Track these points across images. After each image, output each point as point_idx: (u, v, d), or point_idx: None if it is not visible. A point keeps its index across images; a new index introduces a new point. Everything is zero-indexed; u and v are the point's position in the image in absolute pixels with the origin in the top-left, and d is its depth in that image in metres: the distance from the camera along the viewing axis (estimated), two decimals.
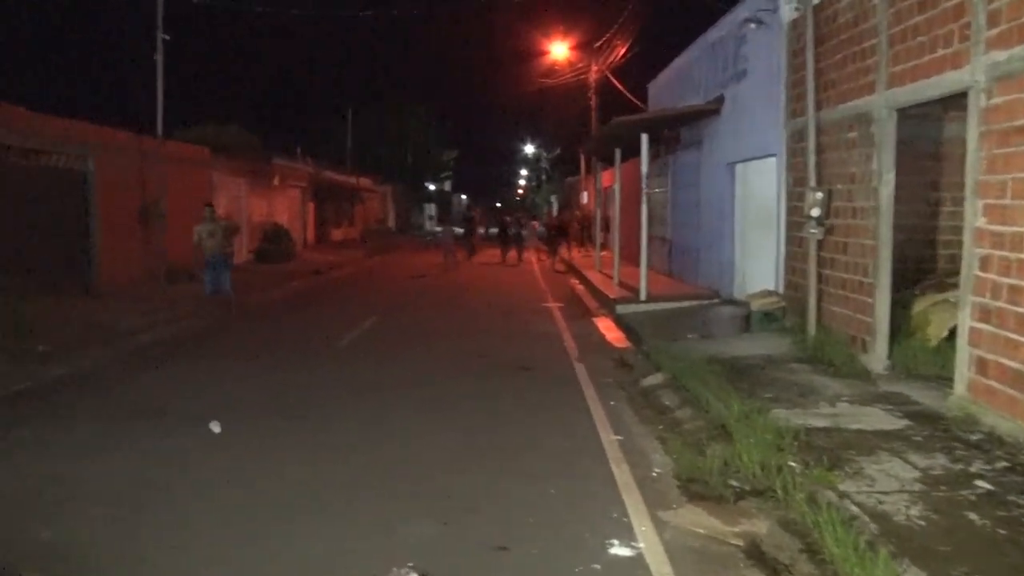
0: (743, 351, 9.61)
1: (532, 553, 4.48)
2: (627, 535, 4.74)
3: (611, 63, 28.11)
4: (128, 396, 8.20)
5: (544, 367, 9.85)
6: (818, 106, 9.17)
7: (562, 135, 54.89)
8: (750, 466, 5.61)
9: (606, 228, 27.31)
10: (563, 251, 29.59)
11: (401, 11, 66.72)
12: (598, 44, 29.82)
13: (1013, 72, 5.84)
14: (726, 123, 14.21)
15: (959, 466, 5.45)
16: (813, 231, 8.98)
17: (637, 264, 20.51)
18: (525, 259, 29.69)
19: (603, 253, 24.40)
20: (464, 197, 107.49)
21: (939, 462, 5.53)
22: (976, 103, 6.26)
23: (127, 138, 17.80)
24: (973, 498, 4.89)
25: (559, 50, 34.67)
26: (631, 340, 11.77)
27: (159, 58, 17.85)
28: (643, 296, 14.49)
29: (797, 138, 10.31)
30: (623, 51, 26.70)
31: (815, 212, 8.87)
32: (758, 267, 13.02)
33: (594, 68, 30.59)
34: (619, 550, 4.53)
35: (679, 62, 18.28)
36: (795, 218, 10.44)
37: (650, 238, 15.42)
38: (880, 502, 4.83)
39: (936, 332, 8.74)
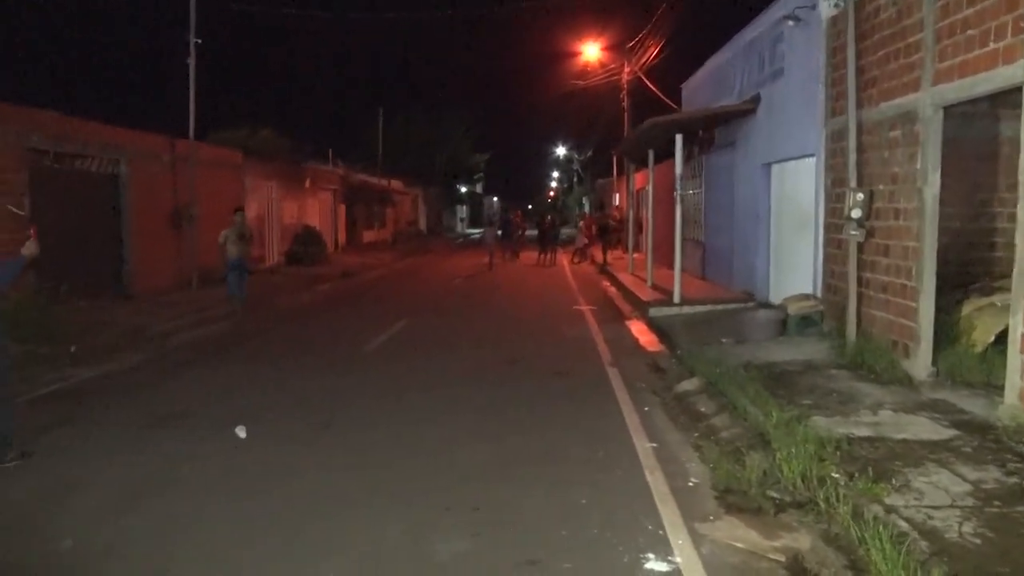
0: (780, 356, 9.36)
1: (564, 568, 4.30)
2: (663, 549, 4.55)
3: (644, 64, 27.84)
4: (155, 400, 8.16)
5: (577, 372, 9.67)
6: (859, 104, 8.90)
7: (594, 137, 54.66)
8: (791, 477, 5.39)
9: (639, 230, 27.07)
10: (594, 252, 29.51)
11: (434, 14, 66.75)
12: (631, 45, 29.54)
13: None
14: (762, 123, 13.93)
15: (1013, 480, 5.20)
16: (854, 233, 8.71)
17: (670, 266, 20.30)
18: (557, 261, 29.60)
19: (635, 255, 24.17)
20: (496, 199, 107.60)
21: (991, 475, 5.28)
22: None
23: (160, 142, 17.91)
24: None
25: (591, 51, 34.39)
26: (664, 344, 11.54)
27: (191, 62, 17.98)
28: (676, 299, 14.25)
29: (837, 138, 10.03)
30: (656, 51, 26.42)
31: (856, 213, 8.60)
32: (793, 270, 12.73)
33: (626, 69, 30.31)
34: (655, 565, 4.35)
35: (713, 62, 18.00)
36: (834, 220, 10.16)
37: (683, 240, 15.16)
38: (930, 517, 4.60)
39: (982, 337, 8.44)
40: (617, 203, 38.19)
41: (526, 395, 8.47)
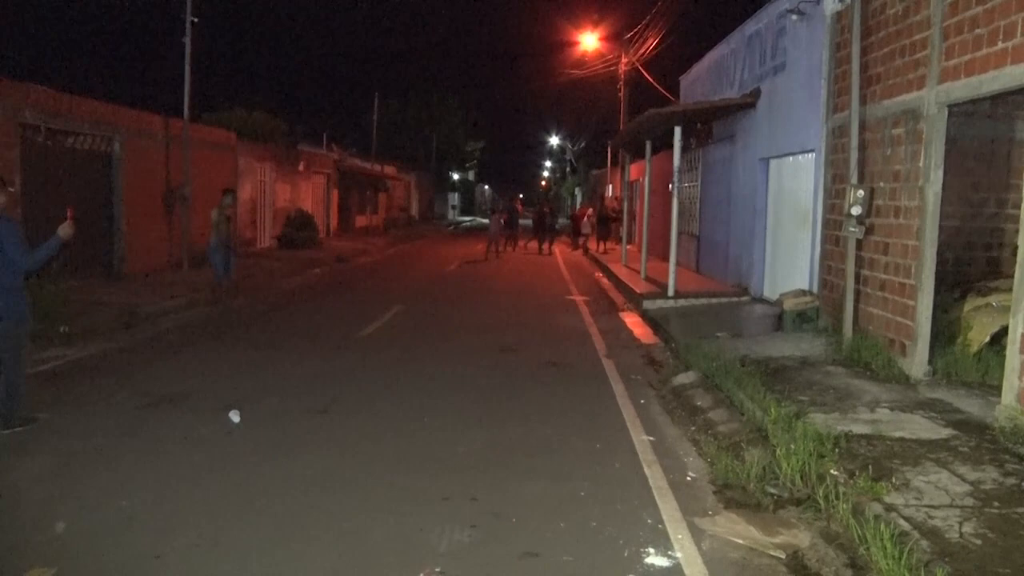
0: (776, 351, 9.35)
1: (564, 560, 4.28)
2: (663, 543, 4.53)
3: (642, 55, 27.74)
4: (149, 381, 8.09)
5: (572, 363, 9.65)
6: (862, 101, 8.87)
7: (589, 127, 54.56)
8: (789, 473, 5.38)
9: (632, 221, 27.06)
10: (587, 242, 29.57)
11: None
12: (629, 36, 29.43)
13: None
14: (761, 117, 13.89)
15: (1011, 480, 5.19)
16: (853, 230, 8.69)
17: (663, 259, 20.31)
18: (553, 251, 29.71)
19: (628, 247, 24.15)
20: (487, 187, 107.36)
21: (990, 475, 5.28)
22: None
23: (154, 121, 17.72)
24: None
25: (589, 41, 34.25)
26: (659, 337, 11.54)
27: (187, 41, 17.80)
28: (671, 292, 14.23)
29: (838, 134, 10.00)
30: (654, 43, 26.32)
31: (856, 210, 8.58)
32: (789, 265, 12.73)
33: (624, 60, 30.19)
34: (655, 559, 4.33)
35: (713, 55, 17.93)
36: (833, 216, 10.14)
37: (678, 233, 15.13)
38: (930, 517, 4.59)
39: (978, 337, 8.45)
40: (611, 194, 38.13)
41: (521, 385, 8.44)
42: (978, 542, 4.28)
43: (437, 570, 3.99)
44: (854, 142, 8.69)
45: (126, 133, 16.25)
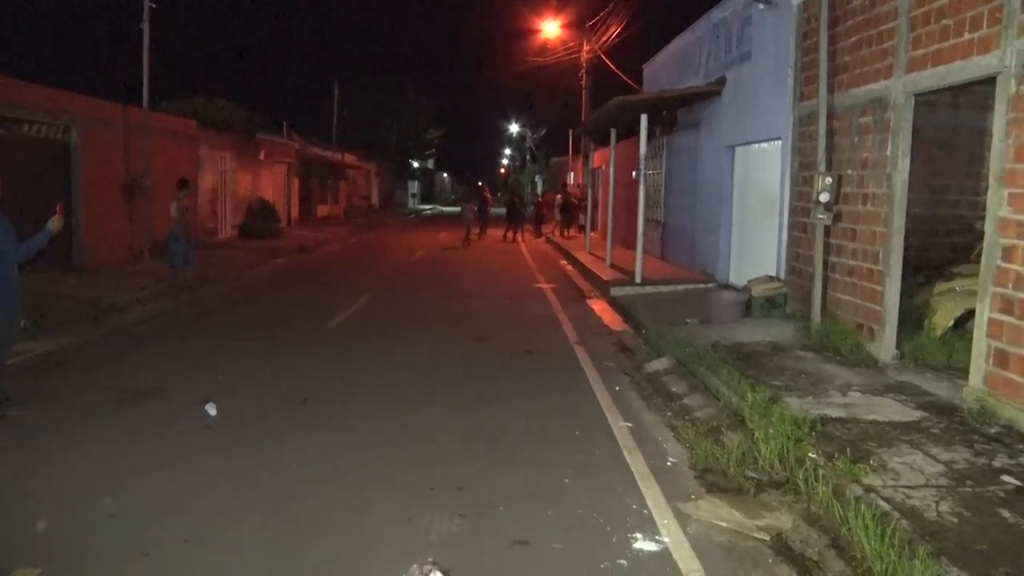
0: (746, 337, 9.48)
1: (555, 548, 4.31)
2: (650, 528, 4.59)
3: (604, 43, 27.79)
4: (120, 375, 7.96)
5: (544, 350, 9.69)
6: (830, 90, 9.00)
7: (550, 115, 54.59)
8: (768, 457, 5.48)
9: (595, 208, 27.18)
10: (557, 229, 29.73)
11: None
12: (591, 23, 29.46)
13: None
14: (727, 105, 14.02)
15: (982, 460, 5.35)
16: (821, 216, 8.83)
17: (627, 246, 20.44)
18: (516, 238, 29.81)
19: (591, 234, 24.26)
20: (447, 176, 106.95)
21: (961, 456, 5.42)
22: (1006, 89, 6.10)
23: (112, 109, 17.33)
24: (1002, 494, 4.78)
25: (551, 29, 34.23)
26: (629, 324, 11.62)
27: (145, 26, 17.43)
28: (638, 279, 14.33)
29: (805, 122, 10.14)
30: (617, 31, 26.39)
31: (824, 197, 8.71)
32: (756, 252, 12.89)
33: (586, 48, 30.24)
34: (644, 544, 4.38)
35: (678, 43, 18.04)
36: (800, 203, 10.30)
37: (644, 220, 15.24)
38: (908, 497, 4.71)
39: (942, 322, 8.65)
40: (572, 181, 38.24)
41: (496, 373, 8.46)
42: (955, 520, 4.40)
43: (430, 560, 4.00)
44: (822, 130, 8.82)
45: (83, 121, 15.87)
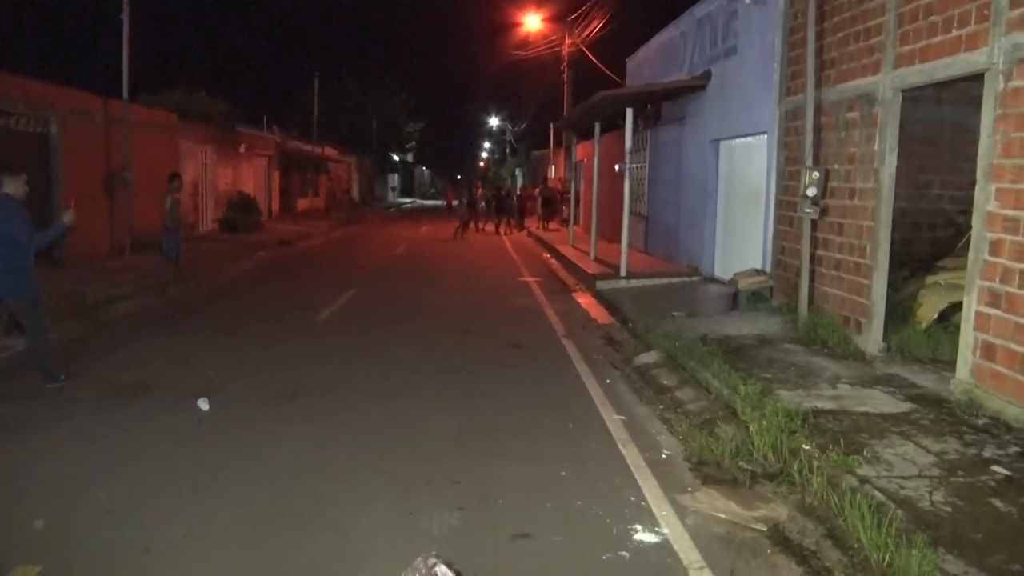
0: (734, 330, 9.55)
1: (556, 540, 4.34)
2: (649, 520, 4.63)
3: (586, 37, 27.81)
4: (106, 371, 7.89)
5: (532, 343, 9.71)
6: (817, 85, 9.06)
7: (530, 108, 54.52)
8: (763, 449, 5.53)
9: (577, 202, 27.22)
10: (528, 223, 29.96)
11: None
12: (573, 16, 29.47)
13: None
14: (712, 100, 14.09)
15: (972, 451, 5.43)
16: (808, 211, 8.90)
17: (610, 239, 20.51)
18: (488, 230, 30.01)
19: (575, 228, 24.29)
20: (426, 169, 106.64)
21: (952, 446, 5.50)
22: (993, 86, 6.18)
23: (92, 101, 17.14)
24: (993, 484, 4.86)
25: (532, 22, 34.21)
26: (615, 317, 11.67)
27: (125, 18, 17.22)
28: (623, 272, 14.39)
29: (791, 117, 10.22)
30: (599, 25, 26.41)
31: (811, 192, 8.78)
32: (741, 246, 12.98)
33: (568, 41, 30.24)
34: (644, 536, 4.42)
35: (662, 37, 18.09)
36: (786, 197, 10.38)
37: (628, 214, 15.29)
38: (902, 487, 4.78)
39: (927, 315, 8.76)
40: (553, 175, 38.28)
41: (486, 367, 8.47)
42: (949, 510, 4.48)
43: (434, 553, 4.00)
44: (809, 125, 8.88)
45: (63, 114, 15.69)
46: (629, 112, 14.32)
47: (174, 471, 5.25)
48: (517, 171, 67.37)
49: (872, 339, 8.12)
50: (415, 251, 22.74)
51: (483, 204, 31.73)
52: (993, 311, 6.22)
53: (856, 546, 4.21)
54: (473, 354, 9.08)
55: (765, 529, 4.56)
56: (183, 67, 49.49)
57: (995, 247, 6.20)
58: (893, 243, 9.73)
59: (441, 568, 3.86)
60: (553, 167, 39.71)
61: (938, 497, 4.64)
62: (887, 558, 3.96)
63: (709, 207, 14.29)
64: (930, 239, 10.67)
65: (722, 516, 4.74)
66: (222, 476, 5.18)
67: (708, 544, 4.35)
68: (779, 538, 4.48)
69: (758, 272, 11.25)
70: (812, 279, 9.25)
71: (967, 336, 6.55)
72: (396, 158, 75.55)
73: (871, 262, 8.18)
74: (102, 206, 17.15)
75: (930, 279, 9.12)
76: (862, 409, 6.35)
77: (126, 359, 8.45)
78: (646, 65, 19.68)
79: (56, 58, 40.91)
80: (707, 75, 14.22)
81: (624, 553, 4.22)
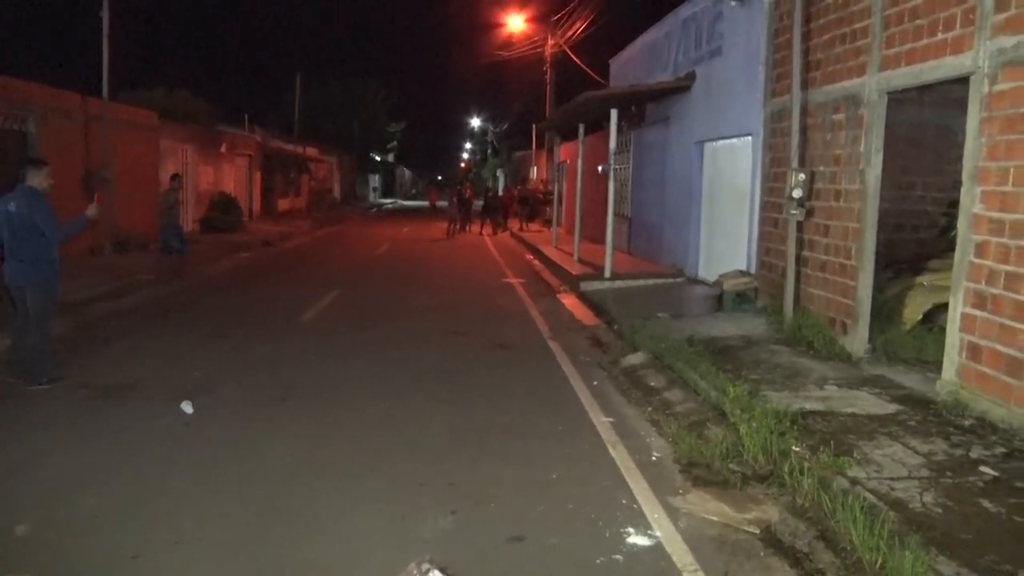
0: (719, 331, 9.58)
1: (550, 543, 4.32)
2: (642, 523, 4.62)
3: (570, 38, 27.84)
4: (89, 373, 7.77)
5: (519, 345, 9.70)
6: (803, 86, 9.11)
7: (513, 109, 54.53)
8: (753, 451, 5.55)
9: (559, 203, 27.26)
10: (510, 223, 30.11)
11: None
12: (556, 17, 29.50)
13: (1021, 58, 5.82)
14: (697, 101, 14.14)
15: (959, 451, 5.47)
16: (794, 212, 8.94)
17: (593, 240, 20.53)
18: (473, 231, 30.08)
19: (558, 229, 24.29)
20: (407, 170, 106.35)
21: (939, 447, 5.54)
22: (979, 89, 6.23)
23: (71, 99, 16.94)
24: (981, 484, 4.90)
25: (515, 23, 34.20)
26: (601, 318, 11.67)
27: (105, 15, 17.03)
28: (607, 273, 14.41)
29: (777, 118, 10.27)
30: (583, 26, 26.44)
31: (797, 193, 8.82)
32: (725, 247, 13.03)
33: (551, 42, 30.27)
34: (637, 539, 4.41)
35: (646, 38, 18.14)
36: (772, 199, 10.42)
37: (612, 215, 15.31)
38: (892, 489, 4.80)
39: (912, 316, 8.83)
40: (535, 176, 38.29)
41: (474, 368, 8.45)
42: (939, 511, 4.50)
43: (428, 559, 3.98)
44: (795, 127, 8.92)
45: (41, 111, 15.50)
46: (614, 113, 14.33)
47: (163, 475, 5.18)
48: (499, 172, 67.36)
49: (858, 340, 8.17)
50: (398, 251, 22.67)
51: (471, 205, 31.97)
52: (979, 312, 6.27)
53: (848, 548, 4.22)
54: (461, 355, 9.05)
55: (758, 531, 4.57)
56: (164, 65, 48.94)
57: (981, 249, 6.25)
58: (877, 244, 9.82)
59: (435, 573, 3.85)
60: (535, 168, 39.71)
61: (928, 498, 4.67)
62: (880, 560, 3.97)
63: (693, 208, 14.33)
64: (913, 240, 10.76)
65: (714, 518, 4.74)
66: (212, 479, 5.12)
67: (701, 547, 4.35)
68: (772, 540, 4.48)
69: (743, 273, 11.29)
70: (797, 280, 9.30)
71: (953, 337, 6.60)
72: (377, 158, 75.28)
73: (857, 263, 8.24)
74: (81, 205, 16.79)
75: (914, 280, 9.19)
76: (850, 410, 6.38)
77: (110, 360, 8.35)
78: (630, 66, 19.71)
79: (35, 55, 40.37)
80: (692, 76, 14.27)
81: (618, 556, 4.21)
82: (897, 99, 9.65)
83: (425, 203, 58.72)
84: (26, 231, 7.06)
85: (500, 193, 41.86)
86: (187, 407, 6.55)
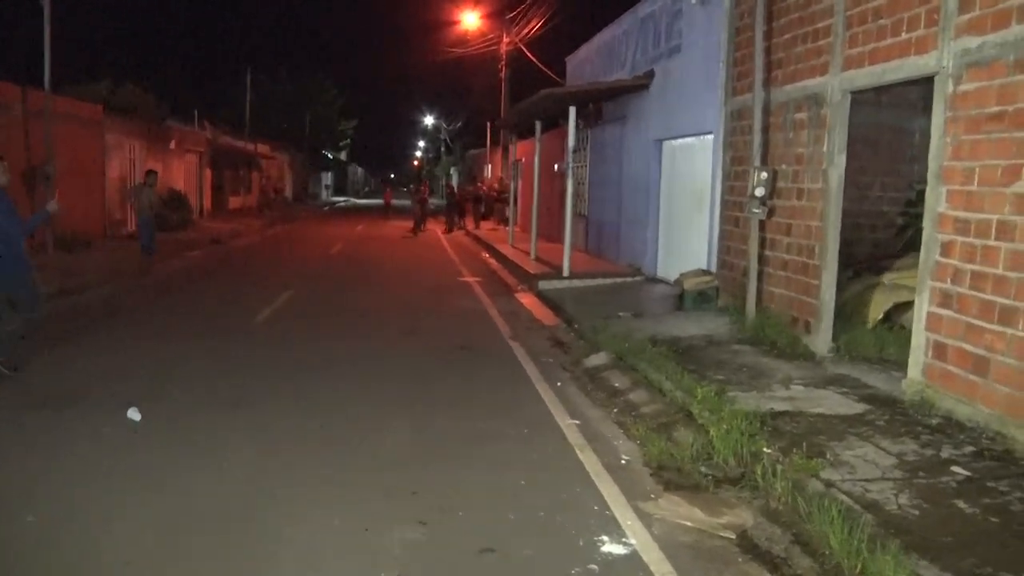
0: (681, 331, 9.53)
1: (523, 554, 4.16)
2: (615, 530, 4.49)
3: (525, 35, 27.73)
4: (29, 378, 7.39)
5: (479, 346, 9.53)
6: (764, 85, 9.09)
7: (466, 106, 54.29)
8: (723, 453, 5.46)
9: (515, 201, 27.17)
10: (465, 222, 30.01)
11: None
12: (511, 15, 29.36)
13: (985, 59, 5.83)
14: (655, 99, 14.10)
15: (930, 451, 5.46)
16: (756, 211, 8.91)
17: (549, 239, 20.45)
18: (428, 229, 29.95)
19: (513, 228, 24.17)
20: (359, 168, 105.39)
21: (909, 447, 5.52)
22: (943, 89, 6.24)
23: (10, 91, 16.31)
24: (955, 485, 4.88)
25: (469, 19, 33.97)
26: (560, 317, 11.55)
27: (46, 3, 16.40)
28: (566, 272, 14.31)
29: (737, 117, 10.25)
30: (539, 23, 26.35)
31: (759, 192, 8.80)
32: (684, 246, 13.02)
33: (506, 39, 30.12)
34: (611, 547, 4.28)
35: (603, 36, 18.08)
36: (732, 197, 10.41)
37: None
38: (867, 491, 4.75)
39: (873, 315, 8.88)
40: (490, 174, 38.14)
41: (434, 370, 8.26)
42: (916, 513, 4.46)
43: (397, 574, 3.79)
44: (757, 125, 8.90)
45: None
46: (572, 111, 14.23)
47: (108, 490, 4.87)
48: (452, 170, 67.02)
49: (821, 339, 8.17)
50: (352, 250, 22.30)
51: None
52: (944, 311, 6.27)
53: (827, 552, 4.14)
54: (420, 357, 8.84)
55: (734, 537, 4.47)
56: (110, 58, 47.62)
57: (946, 248, 6.26)
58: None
59: None
60: (489, 166, 39.54)
61: (904, 500, 4.62)
62: (860, 565, 3.90)
63: (651, 207, 14.31)
64: (871, 240, 10.85)
65: (688, 524, 4.63)
66: (161, 494, 4.83)
67: (677, 554, 4.23)
68: (748, 546, 4.39)
69: (704, 272, 11.27)
70: (760, 279, 9.27)
71: (919, 336, 6.60)
72: (330, 156, 74.40)
73: (820, 262, 8.23)
74: (22, 203, 16.23)
75: (873, 279, 9.24)
76: (817, 410, 6.34)
77: (53, 365, 7.95)
78: (587, 64, 19.65)
79: None
80: (650, 75, 14.23)
81: (593, 566, 4.06)
82: (855, 100, 9.73)
83: (378, 201, 58.12)
84: None
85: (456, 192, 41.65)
86: (134, 414, 6.24)
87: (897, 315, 8.76)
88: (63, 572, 3.87)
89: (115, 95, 23.85)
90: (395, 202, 44.68)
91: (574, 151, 14.80)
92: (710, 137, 11.56)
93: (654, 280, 14.09)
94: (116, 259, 16.23)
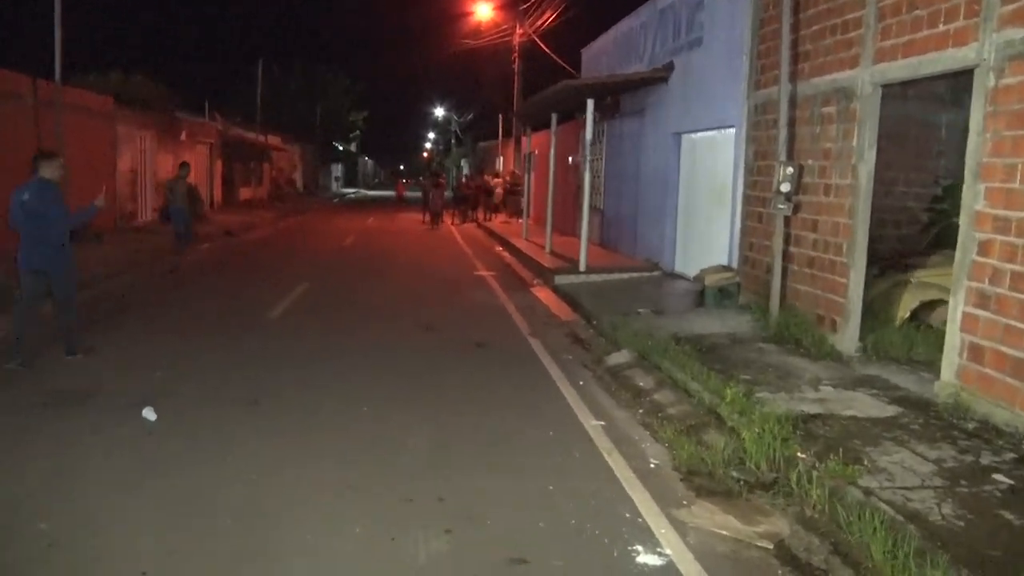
0: (704, 328, 9.36)
1: (555, 565, 4.02)
2: (649, 540, 4.34)
3: (538, 27, 27.48)
4: (42, 376, 7.28)
5: (497, 342, 9.38)
6: (790, 78, 8.89)
7: (478, 98, 54.01)
8: (755, 458, 5.30)
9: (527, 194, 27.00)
10: (477, 215, 29.91)
11: None
12: (525, 6, 29.09)
13: None
14: (675, 92, 13.88)
15: (969, 457, 5.29)
16: (782, 207, 8.73)
17: (563, 232, 20.27)
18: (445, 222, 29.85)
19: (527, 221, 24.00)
20: (369, 159, 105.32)
21: (948, 453, 5.35)
22: (983, 83, 6.03)
23: (20, 82, 16.18)
24: (999, 494, 4.71)
25: (482, 11, 33.69)
26: (578, 313, 11.39)
27: None
28: (583, 267, 14.13)
29: (761, 111, 10.05)
30: (553, 15, 26.10)
31: (785, 187, 8.61)
32: (703, 241, 12.82)
33: (519, 31, 29.87)
34: (647, 558, 4.13)
35: (620, 28, 17.85)
36: (755, 193, 10.21)
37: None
38: (908, 500, 4.59)
39: (900, 313, 8.68)
40: (501, 167, 37.93)
41: (453, 368, 8.12)
42: (961, 524, 4.29)
43: None
44: (783, 120, 8.70)
45: None
46: (590, 103, 14.02)
47: (123, 494, 4.73)
48: (463, 162, 66.81)
49: (848, 338, 7.99)
50: (364, 243, 22.19)
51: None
52: (982, 312, 6.09)
53: (869, 565, 3.99)
54: (438, 353, 8.70)
55: (770, 546, 4.32)
56: (120, 49, 47.60)
57: (984, 247, 6.06)
58: None
59: None
60: (501, 158, 39.33)
61: (947, 510, 4.46)
62: None
63: (670, 201, 14.11)
64: (896, 236, 10.65)
65: (724, 533, 4.48)
66: (178, 498, 4.69)
67: (715, 565, 4.09)
68: (786, 556, 4.23)
69: (726, 268, 11.08)
70: (784, 276, 9.09)
71: (953, 338, 6.42)
72: (340, 148, 74.28)
73: (848, 260, 8.04)
74: None
75: (900, 277, 9.04)
76: (849, 413, 6.18)
77: (67, 363, 7.84)
78: (603, 56, 19.43)
79: None
80: (670, 67, 14.01)
81: None
82: (882, 93, 9.52)
83: (388, 193, 58.02)
84: (42, 219, 7.52)
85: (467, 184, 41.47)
86: (149, 414, 6.11)
87: (924, 313, 8.57)
88: (66, 569, 3.74)
89: (126, 86, 23.75)
90: (408, 194, 44.54)
91: (590, 144, 14.61)
92: (732, 131, 11.34)
93: (672, 275, 13.90)
94: (130, 251, 16.15)
